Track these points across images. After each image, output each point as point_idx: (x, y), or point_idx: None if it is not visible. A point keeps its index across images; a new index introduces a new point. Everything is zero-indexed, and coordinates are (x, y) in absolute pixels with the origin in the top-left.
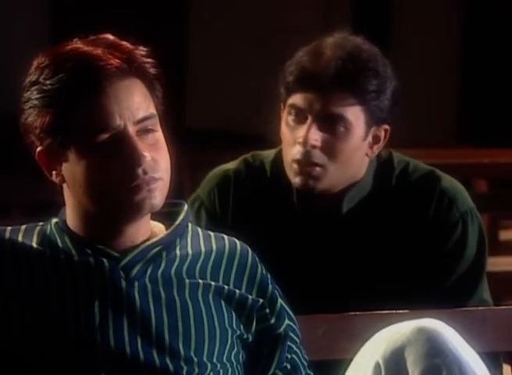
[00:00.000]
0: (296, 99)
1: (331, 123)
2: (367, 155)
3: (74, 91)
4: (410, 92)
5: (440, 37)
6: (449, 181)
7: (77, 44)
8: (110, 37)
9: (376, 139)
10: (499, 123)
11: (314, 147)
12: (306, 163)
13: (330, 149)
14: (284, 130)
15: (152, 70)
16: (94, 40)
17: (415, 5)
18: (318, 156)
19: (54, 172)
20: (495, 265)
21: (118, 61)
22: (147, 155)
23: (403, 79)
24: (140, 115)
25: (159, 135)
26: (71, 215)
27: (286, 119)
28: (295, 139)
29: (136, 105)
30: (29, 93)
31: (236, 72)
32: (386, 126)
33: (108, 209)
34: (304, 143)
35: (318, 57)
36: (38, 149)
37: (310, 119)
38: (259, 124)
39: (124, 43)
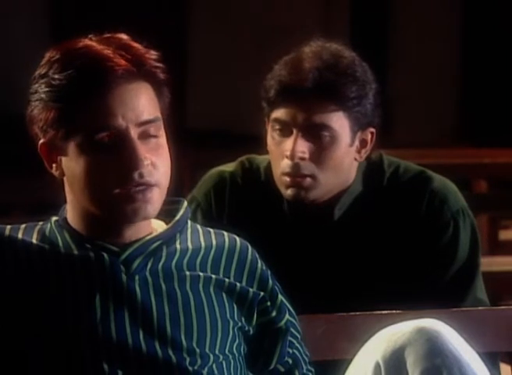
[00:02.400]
0: (279, 113)
1: (316, 133)
2: (355, 159)
3: (80, 88)
4: (410, 92)
5: (440, 36)
6: (439, 181)
7: (90, 41)
8: (123, 37)
9: (363, 143)
10: (499, 123)
11: (302, 159)
12: (296, 175)
13: (318, 159)
14: (270, 144)
15: (161, 75)
16: (107, 38)
17: (415, 5)
18: (307, 167)
19: (54, 165)
20: (494, 265)
21: (127, 63)
22: (147, 159)
23: (403, 78)
24: (144, 117)
25: (162, 140)
26: (70, 211)
27: (272, 133)
28: (282, 152)
29: (141, 107)
30: (37, 85)
31: (236, 72)
32: (372, 129)
33: (102, 209)
34: (292, 156)
35: (295, 70)
36: (41, 141)
37: (295, 131)
38: (258, 124)
39: (136, 45)
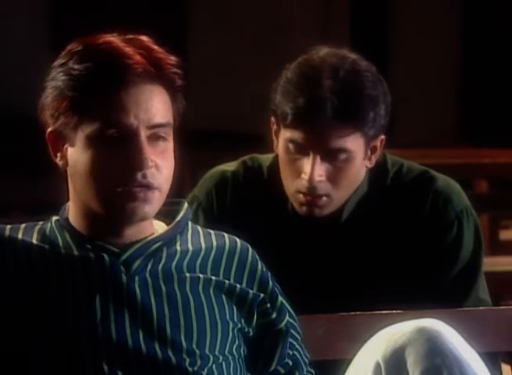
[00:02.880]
0: (295, 135)
1: (333, 155)
2: (366, 166)
3: (98, 81)
4: (410, 92)
5: (440, 36)
6: (443, 181)
7: (112, 37)
8: (145, 39)
9: (374, 150)
10: (499, 123)
11: (319, 182)
12: (312, 195)
13: (335, 179)
14: (284, 158)
15: (178, 81)
16: (129, 38)
17: (415, 5)
18: (324, 187)
19: (59, 154)
20: (495, 265)
21: (146, 63)
22: (152, 161)
23: (403, 78)
24: (156, 120)
25: (169, 145)
26: (72, 209)
27: (286, 144)
28: (298, 171)
29: (154, 110)
30: (55, 73)
31: (236, 72)
32: (382, 137)
33: (101, 205)
34: (310, 180)
35: (313, 97)
36: (49, 129)
37: (312, 154)
38: (259, 124)
39: (157, 48)
